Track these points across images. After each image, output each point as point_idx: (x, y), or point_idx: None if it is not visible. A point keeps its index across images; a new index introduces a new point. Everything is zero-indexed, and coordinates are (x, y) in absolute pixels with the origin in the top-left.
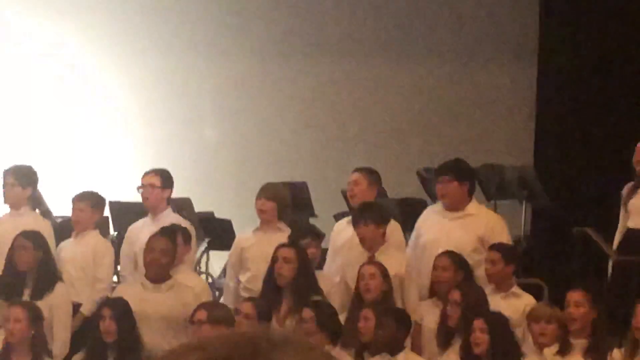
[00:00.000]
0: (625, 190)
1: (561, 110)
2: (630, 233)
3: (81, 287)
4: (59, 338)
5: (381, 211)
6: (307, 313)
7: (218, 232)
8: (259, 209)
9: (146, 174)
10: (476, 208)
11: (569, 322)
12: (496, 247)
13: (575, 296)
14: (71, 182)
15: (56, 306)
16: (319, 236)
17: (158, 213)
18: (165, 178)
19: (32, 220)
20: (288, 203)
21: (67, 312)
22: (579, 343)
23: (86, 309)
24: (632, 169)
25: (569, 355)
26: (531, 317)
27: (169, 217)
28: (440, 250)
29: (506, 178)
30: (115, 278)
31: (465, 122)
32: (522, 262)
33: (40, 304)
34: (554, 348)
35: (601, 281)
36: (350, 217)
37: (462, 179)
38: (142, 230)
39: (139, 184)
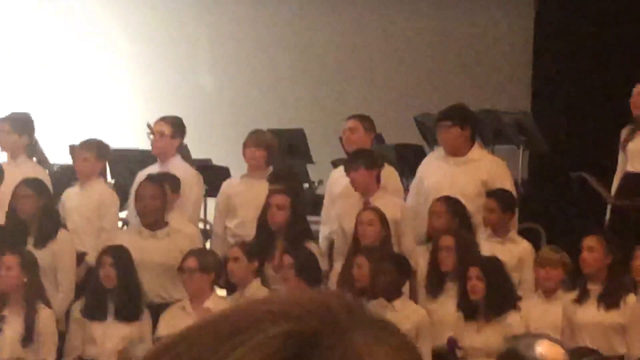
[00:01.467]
0: (623, 134)
1: (558, 55)
2: (628, 177)
3: (86, 236)
4: (63, 285)
5: (372, 156)
6: (287, 259)
7: (216, 179)
8: (249, 158)
9: (158, 120)
10: (479, 153)
11: (584, 268)
12: (493, 194)
13: (589, 241)
14: (68, 129)
15: (59, 253)
16: (295, 182)
17: (165, 160)
18: (176, 127)
19: (30, 169)
20: (276, 150)
21: (71, 259)
22: (594, 289)
23: (92, 259)
24: (630, 112)
25: (585, 302)
26: (537, 261)
27: (177, 164)
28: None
29: (504, 124)
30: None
31: (462, 68)
32: (520, 207)
33: (43, 251)
34: (572, 295)
35: (600, 226)
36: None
37: (463, 124)
38: None
39: (137, 131)
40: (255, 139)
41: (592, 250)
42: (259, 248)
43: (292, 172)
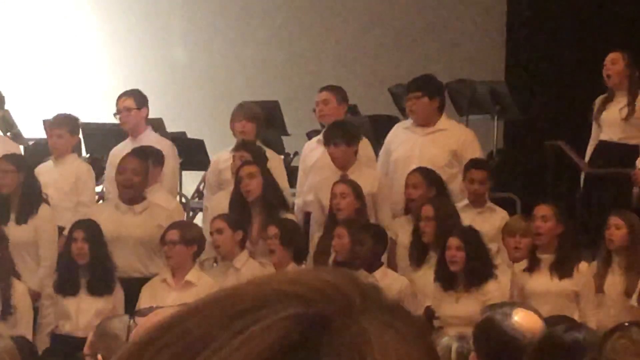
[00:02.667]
0: (596, 105)
1: (532, 23)
2: (602, 145)
3: (64, 211)
4: (46, 259)
5: (352, 130)
6: (272, 230)
7: (191, 152)
8: (240, 131)
9: (119, 97)
10: (447, 123)
11: (535, 237)
12: (481, 165)
13: (542, 210)
14: (41, 104)
15: (41, 228)
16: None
17: (137, 134)
18: (138, 97)
19: (1, 145)
20: (263, 122)
21: (53, 234)
22: (546, 258)
23: None
24: (603, 81)
25: (536, 271)
26: (506, 230)
27: (149, 137)
28: (413, 166)
29: (478, 93)
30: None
31: (436, 38)
32: (495, 176)
33: (25, 226)
34: (523, 264)
35: (573, 194)
36: (319, 136)
37: (432, 94)
38: (123, 153)
39: (110, 105)
40: (245, 112)
41: (545, 220)
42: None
43: (274, 144)
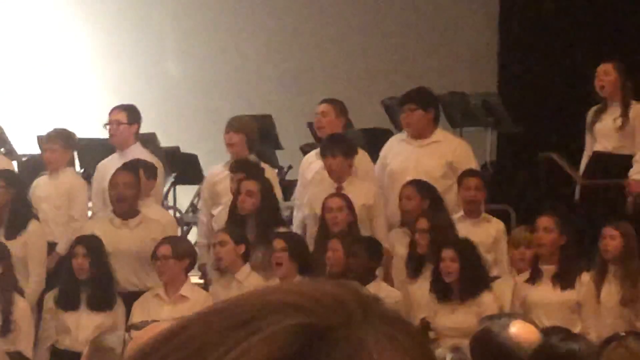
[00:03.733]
0: (589, 116)
1: (524, 35)
2: (596, 156)
3: (56, 226)
4: (34, 275)
5: (349, 143)
6: (279, 243)
7: (184, 167)
8: (227, 143)
9: (112, 110)
10: (442, 135)
11: (537, 248)
12: (474, 173)
13: (544, 222)
14: (35, 119)
15: (31, 244)
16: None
17: (125, 148)
18: (131, 113)
19: None
20: (256, 135)
21: (42, 250)
22: (548, 269)
23: (62, 249)
24: (596, 93)
25: (538, 282)
26: (511, 242)
27: (137, 152)
28: (409, 178)
29: (471, 105)
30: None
31: (428, 50)
32: (489, 188)
33: (14, 242)
34: (525, 275)
35: (569, 205)
36: (318, 150)
37: (426, 106)
38: (110, 167)
39: (104, 120)
40: (233, 123)
41: (548, 231)
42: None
43: (267, 158)
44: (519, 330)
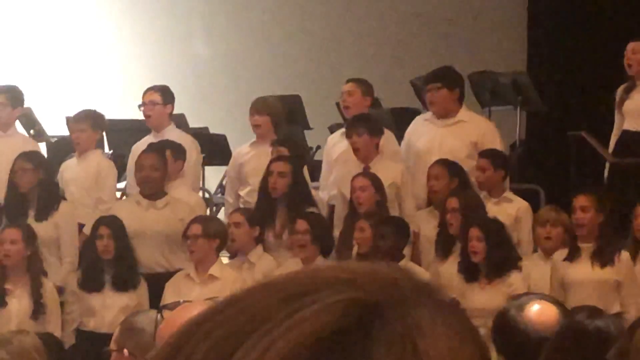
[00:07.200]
0: (618, 94)
1: (554, 13)
2: (625, 135)
3: (84, 207)
4: (67, 256)
5: (375, 122)
6: (302, 225)
7: (213, 148)
8: (253, 125)
9: (146, 91)
10: (467, 114)
11: (576, 228)
12: (484, 153)
13: (581, 201)
14: (64, 101)
15: (62, 225)
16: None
17: (161, 129)
18: (165, 94)
19: (20, 141)
20: (282, 115)
21: (74, 231)
22: (586, 247)
23: (89, 230)
24: (625, 71)
25: (577, 260)
26: (537, 221)
27: (173, 134)
28: (434, 158)
29: (500, 84)
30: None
31: (457, 29)
32: (518, 167)
33: (45, 223)
34: (563, 253)
35: (598, 184)
36: (343, 129)
37: (451, 86)
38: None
39: (133, 101)
40: (257, 105)
41: (585, 210)
42: (260, 215)
43: (296, 138)
44: (537, 311)
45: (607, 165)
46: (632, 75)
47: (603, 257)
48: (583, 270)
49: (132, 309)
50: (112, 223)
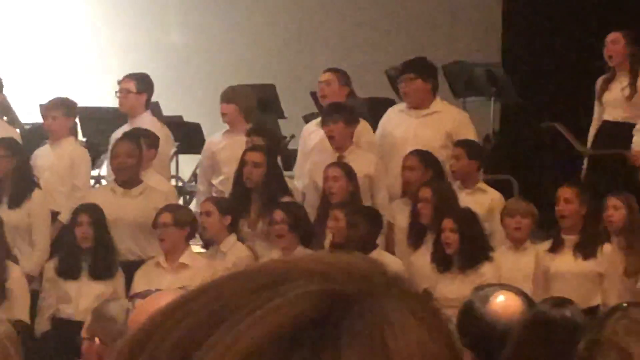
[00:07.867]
0: (598, 83)
1: (528, 5)
2: (605, 125)
3: (59, 195)
4: (39, 244)
5: (351, 110)
6: (278, 215)
7: (187, 136)
8: (221, 113)
9: (123, 78)
10: (441, 105)
11: (560, 219)
12: (460, 142)
13: (565, 192)
14: (38, 88)
15: (35, 213)
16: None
17: (134, 117)
18: (140, 82)
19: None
20: (251, 104)
21: (46, 219)
22: (570, 239)
23: (64, 218)
24: (602, 62)
25: (560, 252)
26: (505, 212)
27: (146, 121)
28: (408, 149)
29: (474, 75)
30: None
31: (433, 20)
32: (492, 158)
33: (18, 211)
34: (546, 245)
35: (572, 176)
36: (319, 119)
37: (425, 76)
38: None
39: (107, 89)
40: (225, 94)
41: (568, 202)
42: (235, 205)
43: (270, 127)
44: (500, 304)
45: (586, 156)
46: (612, 66)
47: (586, 249)
48: (566, 262)
49: (108, 297)
50: (92, 211)
